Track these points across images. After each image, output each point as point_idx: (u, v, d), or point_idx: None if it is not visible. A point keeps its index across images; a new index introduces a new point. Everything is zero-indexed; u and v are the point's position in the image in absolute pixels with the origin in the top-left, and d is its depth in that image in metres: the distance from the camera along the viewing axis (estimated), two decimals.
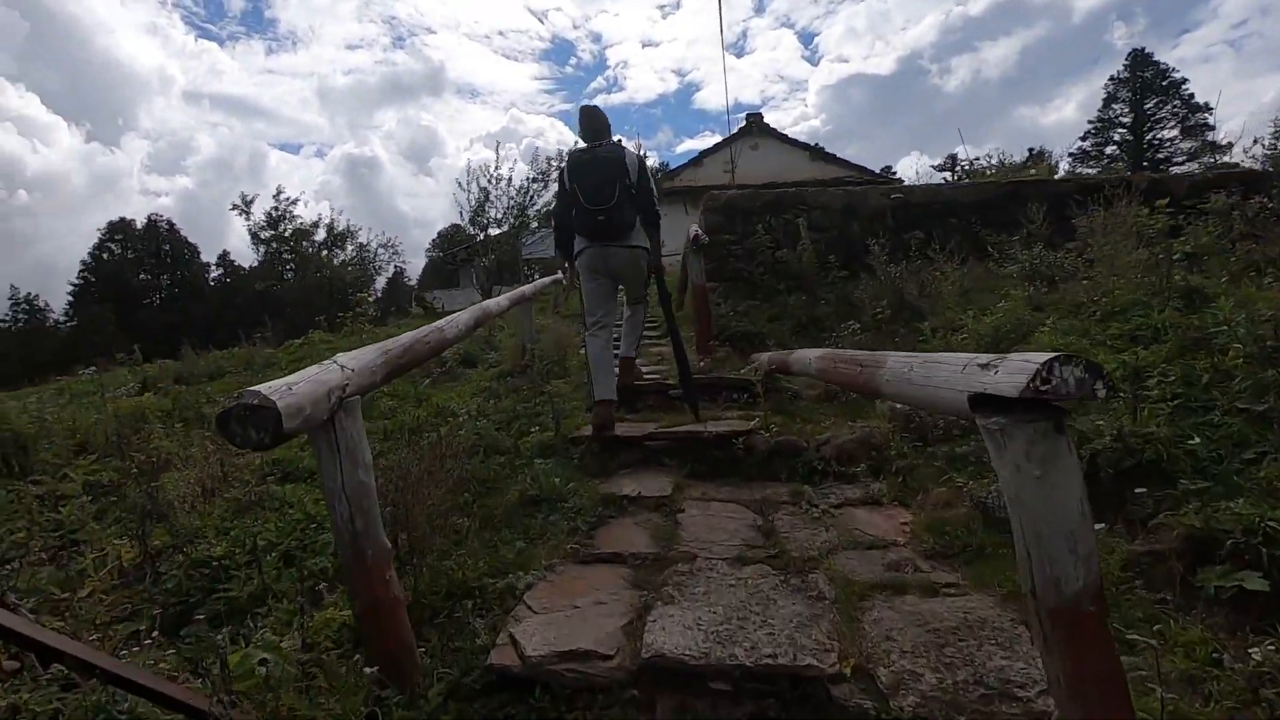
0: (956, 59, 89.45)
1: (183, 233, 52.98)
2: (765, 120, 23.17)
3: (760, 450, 3.35)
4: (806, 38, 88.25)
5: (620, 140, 4.04)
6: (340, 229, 22.79)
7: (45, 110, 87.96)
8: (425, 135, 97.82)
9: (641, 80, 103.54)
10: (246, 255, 21.82)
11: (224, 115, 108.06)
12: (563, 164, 4.03)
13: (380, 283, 38.32)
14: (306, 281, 21.88)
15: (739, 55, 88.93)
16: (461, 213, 17.36)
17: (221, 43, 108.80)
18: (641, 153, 18.55)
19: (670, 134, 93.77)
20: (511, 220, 17.33)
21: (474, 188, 17.14)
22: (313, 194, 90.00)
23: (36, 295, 50.94)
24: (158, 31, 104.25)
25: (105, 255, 50.93)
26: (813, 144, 22.96)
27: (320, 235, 22.48)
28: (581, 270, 3.94)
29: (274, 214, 20.61)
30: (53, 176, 78.75)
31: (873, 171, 23.12)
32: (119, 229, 51.77)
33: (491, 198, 17.24)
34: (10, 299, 49.06)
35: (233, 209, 20.86)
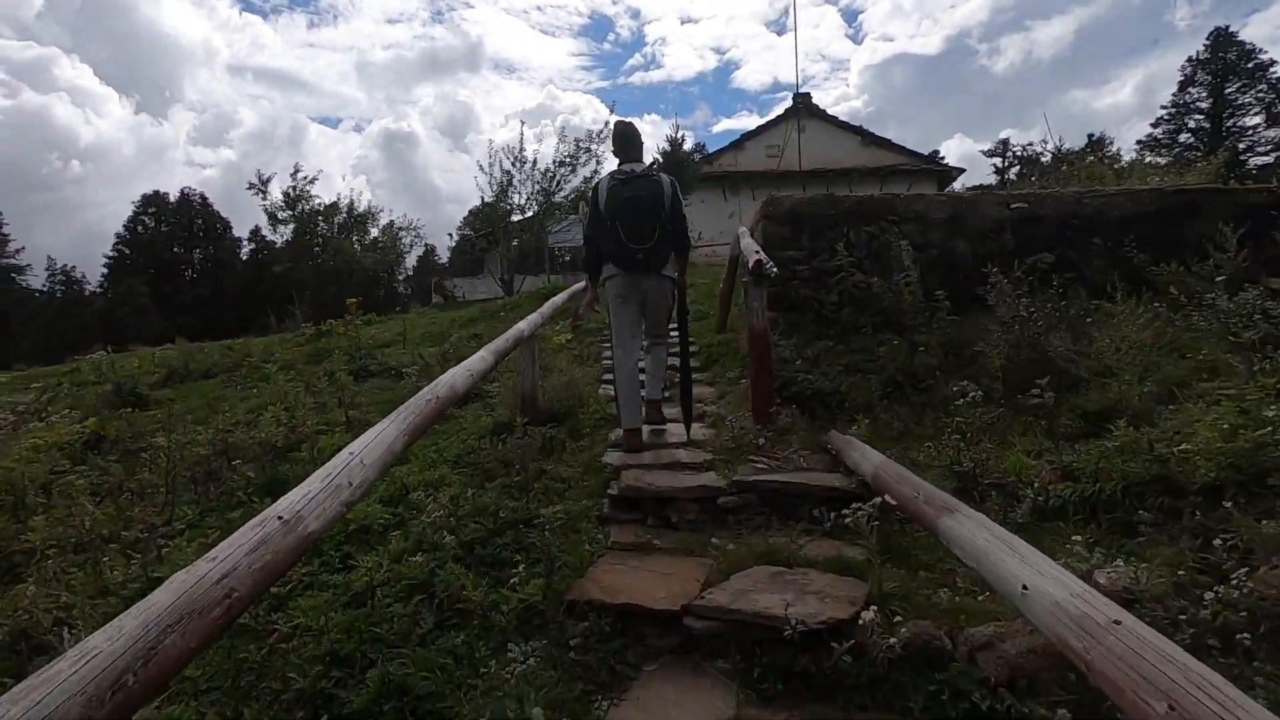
0: (1006, 39, 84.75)
1: (215, 207, 53.20)
2: (813, 101, 21.36)
3: (875, 658, 2.01)
4: (850, 15, 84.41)
5: (654, 167, 4.06)
6: (362, 209, 21.70)
7: (98, 82, 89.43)
8: (462, 111, 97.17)
9: (679, 58, 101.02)
10: (278, 231, 21.09)
11: (265, 88, 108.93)
12: (595, 183, 4.04)
13: (411, 260, 37.43)
14: (323, 266, 20.86)
15: (779, 33, 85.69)
16: (483, 197, 16.07)
17: (265, 15, 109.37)
18: (680, 135, 17.01)
19: (708, 113, 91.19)
20: (537, 204, 15.99)
21: (496, 170, 15.82)
22: (350, 168, 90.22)
23: (73, 267, 51.63)
24: (203, 4, 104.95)
25: (139, 228, 51.36)
26: (863, 127, 21.14)
27: (342, 216, 21.46)
28: (610, 295, 4.00)
29: (291, 193, 19.59)
30: (104, 147, 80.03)
31: (928, 158, 21.23)
32: (152, 202, 52.09)
33: (515, 182, 15.90)
34: (47, 269, 49.67)
35: (249, 188, 19.84)
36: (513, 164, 15.78)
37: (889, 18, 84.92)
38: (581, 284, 6.96)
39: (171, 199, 51.90)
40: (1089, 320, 3.80)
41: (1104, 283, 4.25)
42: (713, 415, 4.36)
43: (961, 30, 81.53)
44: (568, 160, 15.44)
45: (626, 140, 4.03)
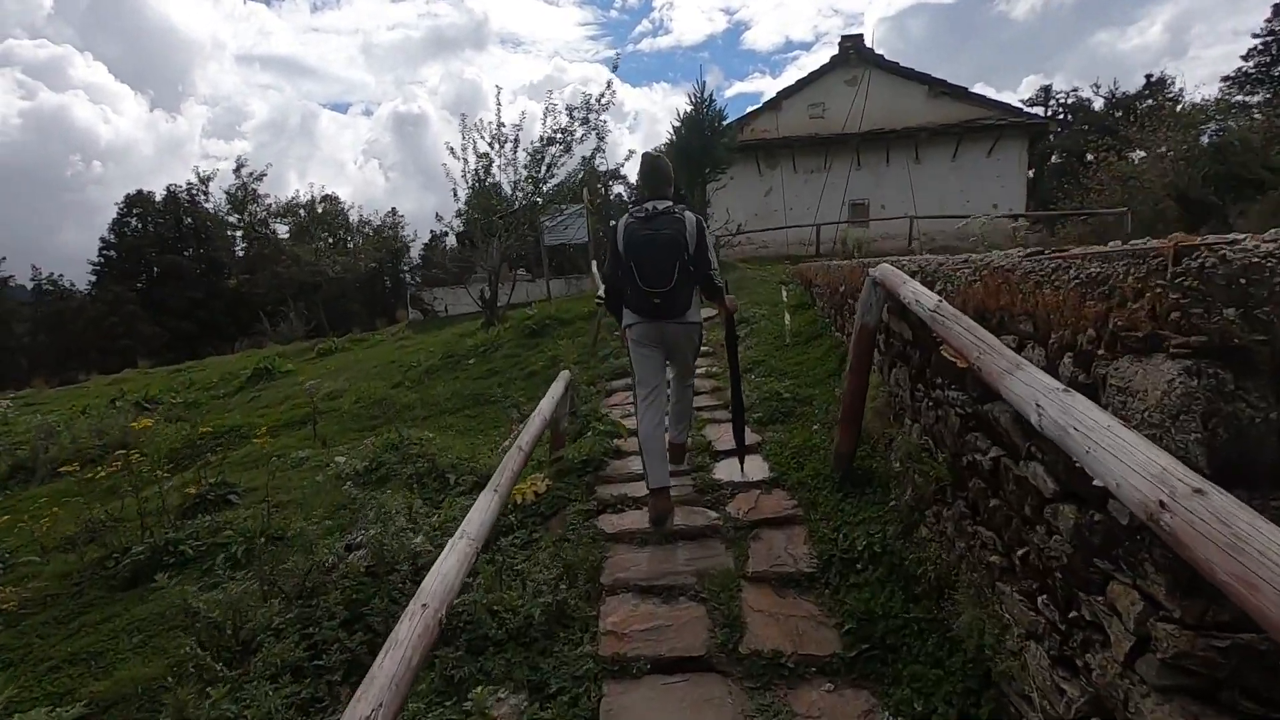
0: None
1: (205, 204, 50.28)
2: (866, 45, 17.18)
3: None
4: None
5: (682, 208, 3.55)
6: (325, 209, 18.15)
7: (112, 79, 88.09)
8: (470, 89, 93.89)
9: (688, 22, 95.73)
10: (225, 235, 17.79)
11: (274, 77, 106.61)
12: (614, 221, 3.67)
13: (417, 251, 34.05)
14: (281, 277, 17.42)
15: None
16: (455, 190, 12.38)
17: (268, 2, 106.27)
18: (707, 93, 13.09)
19: (719, 76, 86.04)
20: (523, 194, 12.29)
21: (470, 154, 12.11)
22: (361, 153, 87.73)
23: (61, 275, 49.27)
24: None
25: (126, 230, 48.65)
26: (930, 75, 16.93)
27: (302, 216, 17.97)
28: (631, 341, 3.67)
29: (237, 194, 16.08)
30: (124, 146, 78.61)
31: (1016, 109, 17.00)
32: (137, 202, 49.14)
33: (496, 167, 12.19)
34: (32, 279, 47.29)
35: (187, 189, 16.39)
36: (491, 144, 12.07)
37: None
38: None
39: (157, 198, 48.99)
40: None
41: None
42: None
43: None
44: (559, 135, 11.66)
45: (655, 174, 3.65)
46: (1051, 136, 35.78)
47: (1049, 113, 43.07)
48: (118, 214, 47.93)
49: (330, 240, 18.12)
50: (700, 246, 3.50)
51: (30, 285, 47.07)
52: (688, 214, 3.54)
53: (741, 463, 3.78)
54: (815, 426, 4.06)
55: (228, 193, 16.51)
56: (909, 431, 3.18)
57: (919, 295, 2.57)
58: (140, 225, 48.48)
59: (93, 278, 47.10)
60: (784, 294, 8.73)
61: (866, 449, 3.64)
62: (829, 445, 3.84)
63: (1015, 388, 1.63)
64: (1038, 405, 1.49)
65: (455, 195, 12.46)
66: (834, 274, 6.04)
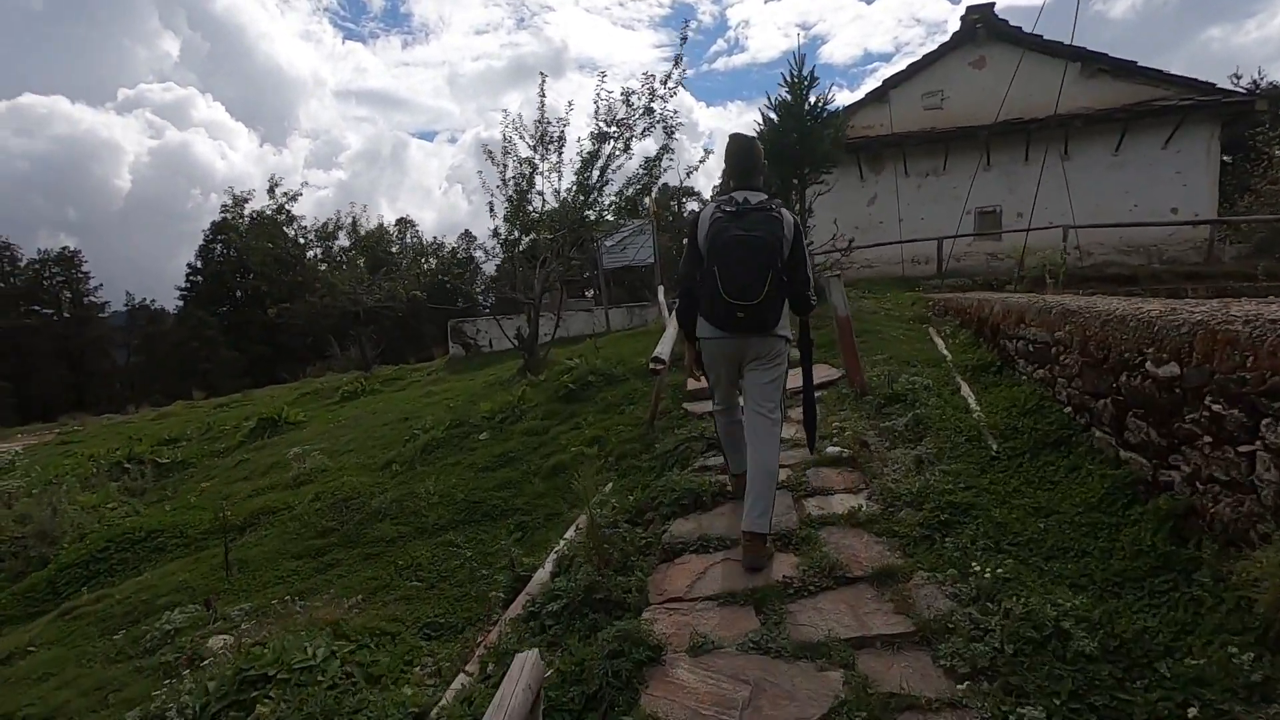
0: None
1: (288, 229, 51.37)
2: (997, 15, 13.94)
3: None
4: None
5: (778, 203, 2.92)
6: (370, 228, 16.46)
7: (229, 117, 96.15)
8: (549, 114, 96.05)
9: (764, 38, 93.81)
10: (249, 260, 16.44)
11: (369, 109, 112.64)
12: (696, 213, 3.07)
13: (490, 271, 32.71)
14: (319, 305, 15.75)
15: (868, 2, 76.14)
16: (492, 205, 10.09)
17: (364, 40, 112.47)
18: (808, 72, 10.27)
19: None
20: (572, 206, 9.83)
21: (509, 161, 9.80)
22: (445, 179, 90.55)
23: (153, 300, 51.02)
24: (310, 36, 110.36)
25: (212, 256, 49.97)
26: (1085, 49, 13.45)
27: (343, 240, 16.36)
28: (706, 357, 3.18)
29: (268, 216, 14.55)
30: (237, 178, 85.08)
31: (1205, 85, 13.25)
32: (223, 229, 50.42)
33: (541, 174, 9.81)
34: (126, 305, 49.06)
35: (223, 212, 15.02)
36: (536, 147, 9.70)
37: None
38: None
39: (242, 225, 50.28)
40: None
41: None
42: None
43: None
44: (616, 130, 9.13)
45: (745, 159, 3.00)
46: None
47: None
48: (204, 240, 49.24)
49: (405, 264, 16.77)
50: (797, 253, 2.91)
51: (125, 309, 48.96)
52: (785, 212, 2.92)
53: (811, 445, 3.34)
54: None
55: (252, 216, 15.00)
56: None
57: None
58: (225, 251, 49.71)
59: (179, 302, 48.40)
60: (939, 344, 5.80)
61: None
62: None
63: None
64: None
65: (491, 210, 10.13)
66: (1101, 330, 3.08)
